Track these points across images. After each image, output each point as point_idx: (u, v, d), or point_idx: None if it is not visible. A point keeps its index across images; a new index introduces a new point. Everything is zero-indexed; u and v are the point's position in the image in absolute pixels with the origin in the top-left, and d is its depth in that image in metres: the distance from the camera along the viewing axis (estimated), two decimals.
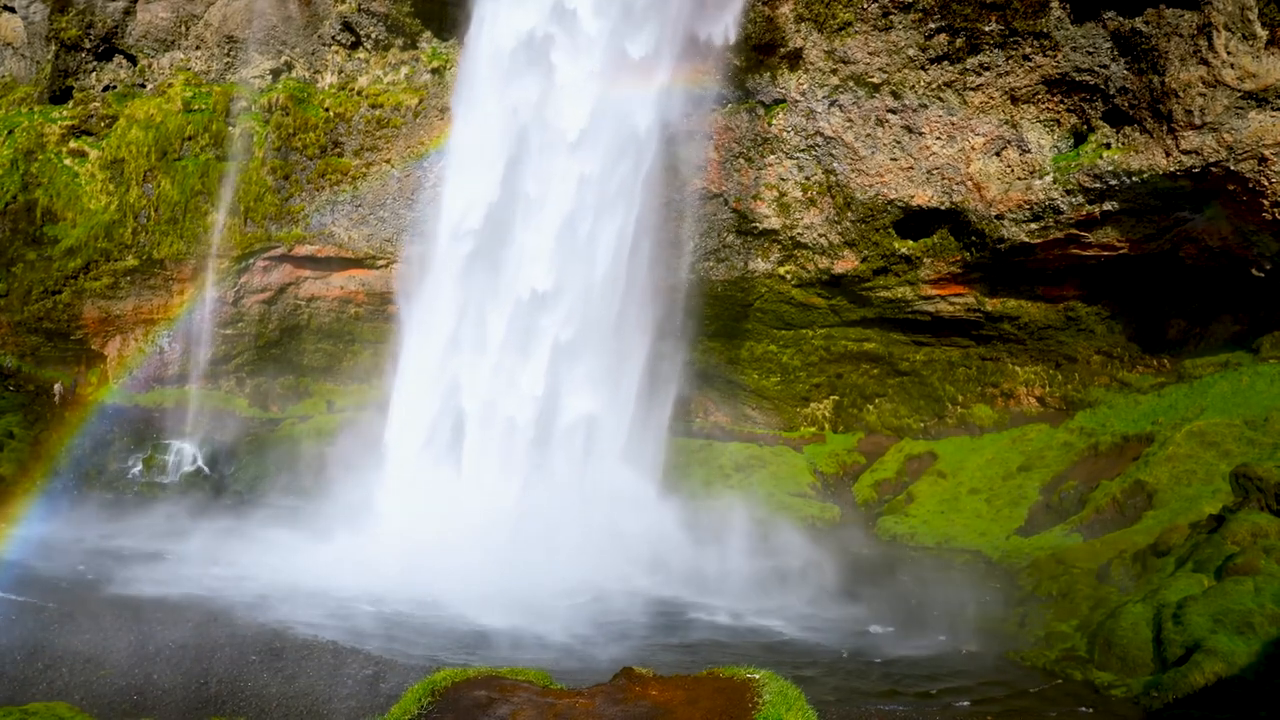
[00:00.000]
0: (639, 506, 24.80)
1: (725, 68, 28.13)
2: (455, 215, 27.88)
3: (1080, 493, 25.37)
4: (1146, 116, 24.42)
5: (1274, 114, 23.15)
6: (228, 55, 35.01)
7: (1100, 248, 26.89)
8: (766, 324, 32.17)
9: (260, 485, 31.07)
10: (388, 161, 32.75)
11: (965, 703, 13.72)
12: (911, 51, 26.52)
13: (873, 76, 27.15)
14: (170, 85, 34.95)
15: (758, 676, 9.80)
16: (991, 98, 26.50)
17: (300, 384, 36.12)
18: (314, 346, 35.78)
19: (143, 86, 35.61)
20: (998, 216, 27.13)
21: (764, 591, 21.02)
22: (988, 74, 26.25)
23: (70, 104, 35.40)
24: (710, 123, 28.93)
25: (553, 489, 24.92)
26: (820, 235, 29.23)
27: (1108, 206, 25.76)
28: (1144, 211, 25.72)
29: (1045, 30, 25.09)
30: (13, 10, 35.59)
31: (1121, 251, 26.77)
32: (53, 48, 35.27)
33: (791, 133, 28.28)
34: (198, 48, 35.24)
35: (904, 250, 28.94)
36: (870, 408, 33.07)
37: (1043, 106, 26.30)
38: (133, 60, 35.94)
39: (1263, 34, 22.78)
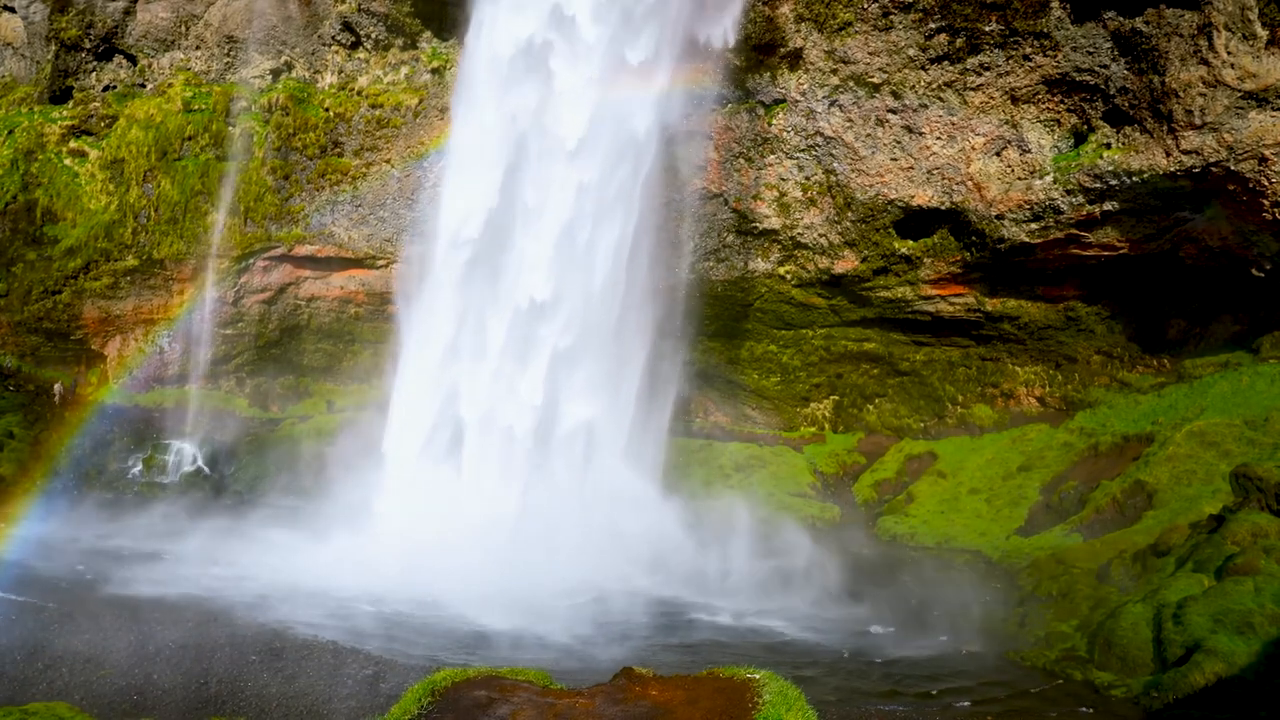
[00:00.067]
0: (640, 506, 24.79)
1: (725, 68, 28.14)
2: (454, 223, 27.81)
3: (1080, 493, 25.36)
4: (1147, 116, 24.42)
5: (1274, 114, 23.15)
6: (228, 55, 35.01)
7: (1100, 248, 26.89)
8: (766, 324, 32.16)
9: (260, 485, 31.07)
10: (388, 161, 32.75)
11: (966, 703, 13.72)
12: (912, 51, 26.52)
13: (873, 76, 27.15)
14: (170, 85, 34.95)
15: (758, 676, 9.80)
16: (992, 98, 26.50)
17: (300, 384, 36.13)
18: (314, 346, 35.78)
19: (143, 86, 35.61)
20: (998, 216, 27.14)
21: (765, 592, 21.01)
22: (988, 74, 26.25)
23: (70, 104, 35.40)
24: (710, 123, 28.93)
25: (553, 490, 24.91)
26: (820, 235, 29.23)
27: (1108, 206, 25.76)
28: (1144, 211, 25.72)
29: (1045, 30, 25.09)
30: (13, 10, 35.59)
31: (1121, 251, 26.77)
32: (53, 48, 35.27)
33: (791, 133, 28.28)
34: (198, 48, 35.24)
35: (904, 250, 28.94)
36: (870, 408, 33.07)
37: (1043, 106, 26.30)
38: (133, 60, 35.94)
39: (1263, 34, 22.78)
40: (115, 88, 35.71)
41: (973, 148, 27.05)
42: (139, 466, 31.38)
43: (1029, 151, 26.54)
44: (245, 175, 33.29)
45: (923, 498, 28.67)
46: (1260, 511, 17.95)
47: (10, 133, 34.44)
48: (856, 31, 26.80)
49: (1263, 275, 25.38)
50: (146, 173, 33.39)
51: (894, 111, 27.31)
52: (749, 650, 16.39)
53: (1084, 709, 13.46)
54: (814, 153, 28.43)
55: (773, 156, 28.73)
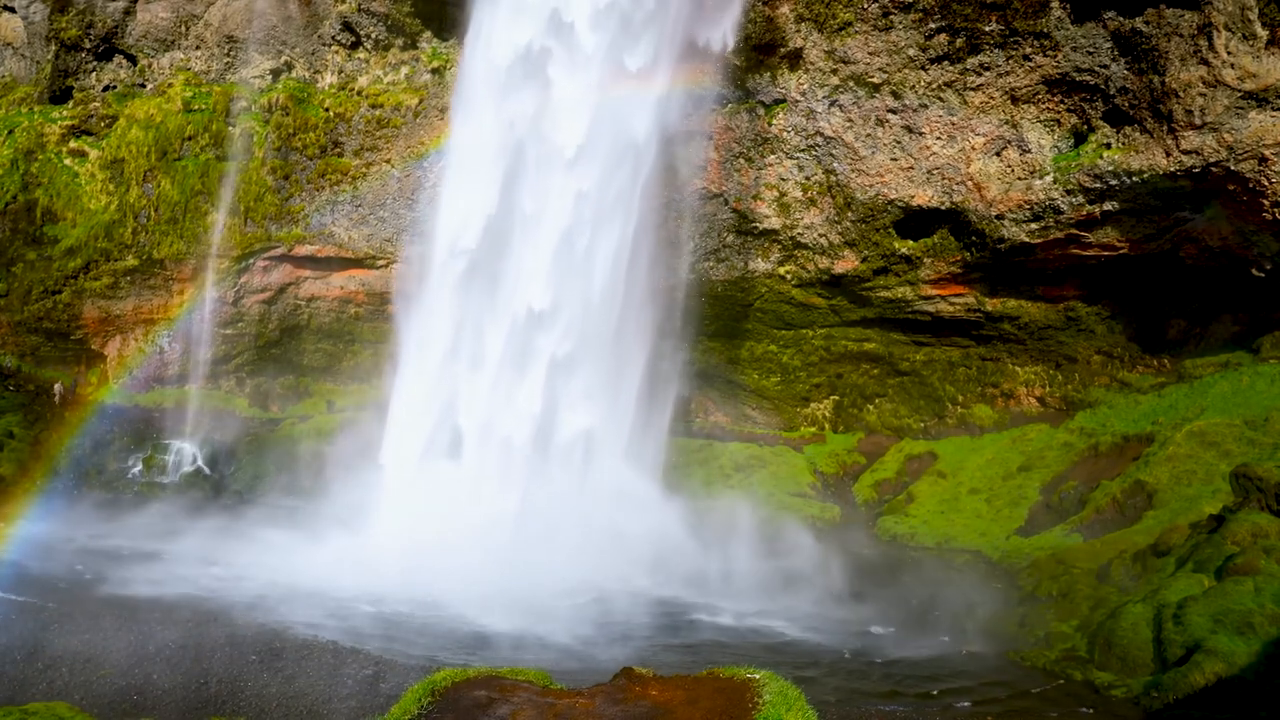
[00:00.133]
0: (641, 507, 24.76)
1: (725, 69, 28.13)
2: (452, 231, 27.73)
3: (1080, 493, 25.36)
4: (1147, 116, 24.42)
5: (1274, 114, 23.15)
6: (228, 55, 35.01)
7: (1100, 248, 26.89)
8: (766, 324, 32.16)
9: (260, 485, 31.07)
10: (388, 161, 32.75)
11: (966, 703, 13.71)
12: (912, 51, 26.51)
13: (873, 76, 27.15)
14: (170, 85, 34.95)
15: (758, 676, 9.79)
16: (992, 98, 26.50)
17: (300, 384, 36.12)
18: (314, 346, 35.78)
19: (143, 86, 35.61)
20: (998, 216, 27.13)
21: (767, 592, 21.00)
22: (988, 74, 26.25)
23: (70, 104, 35.40)
24: (710, 123, 28.92)
25: (553, 490, 24.88)
26: (820, 235, 29.23)
27: (1108, 206, 25.76)
28: (1144, 211, 25.72)
29: (1045, 30, 25.08)
30: (13, 10, 35.59)
31: (1121, 251, 26.77)
32: (53, 48, 35.27)
33: (792, 133, 28.27)
34: (198, 48, 35.24)
35: (904, 250, 28.94)
36: (870, 408, 33.07)
37: (1043, 106, 26.29)
38: (133, 60, 35.94)
39: (1263, 34, 22.78)
40: (115, 88, 35.71)
41: (973, 148, 27.04)
42: (139, 466, 31.39)
43: (1029, 151, 26.54)
44: (245, 175, 33.30)
45: (923, 498, 28.67)
46: (1260, 511, 17.95)
47: (10, 133, 34.44)
48: (856, 31, 26.80)
49: (1263, 275, 25.38)
50: (146, 173, 33.39)
51: (894, 111, 27.31)
52: (750, 650, 16.39)
53: (1084, 709, 13.46)
54: (814, 153, 28.43)
55: (773, 156, 28.73)
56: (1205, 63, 23.21)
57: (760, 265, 30.27)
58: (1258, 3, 22.70)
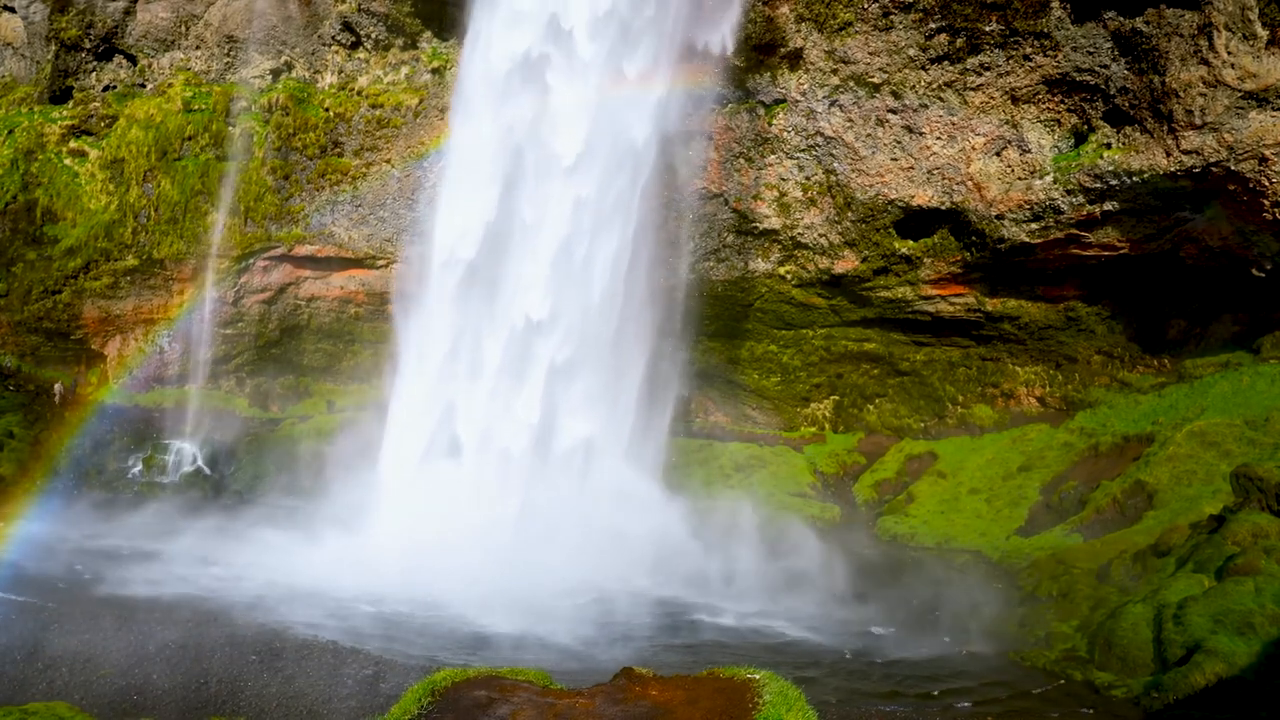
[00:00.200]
0: (642, 507, 24.74)
1: (725, 69, 28.12)
2: (450, 240, 27.64)
3: (1080, 493, 25.35)
4: (1147, 116, 24.42)
5: (1274, 114, 23.15)
6: (228, 55, 35.01)
7: (1100, 248, 26.88)
8: (767, 324, 32.16)
9: (260, 485, 31.06)
10: (388, 161, 32.75)
11: (967, 704, 13.71)
12: (912, 51, 26.51)
13: (873, 76, 27.14)
14: (170, 85, 34.94)
15: (758, 677, 9.79)
16: (992, 98, 26.49)
17: (300, 384, 36.12)
18: (314, 346, 35.77)
19: (143, 86, 35.61)
20: (998, 216, 27.13)
21: (768, 593, 20.99)
22: (988, 74, 26.24)
23: (70, 104, 35.40)
24: (710, 123, 28.92)
25: (554, 491, 24.85)
26: (820, 235, 29.22)
27: (1108, 206, 25.75)
28: (1144, 211, 25.71)
29: (1046, 30, 25.08)
30: (13, 10, 35.59)
31: (1122, 251, 26.76)
32: (53, 48, 35.27)
33: (792, 133, 28.27)
34: (198, 48, 35.24)
35: (904, 250, 28.93)
36: (870, 408, 33.06)
37: (1043, 106, 26.29)
38: (133, 60, 35.94)
39: (1263, 34, 22.77)
40: (115, 88, 35.70)
41: (973, 148, 27.04)
42: (139, 466, 31.38)
43: (1029, 151, 26.53)
44: (245, 175, 33.29)
45: (923, 498, 28.66)
46: (1260, 512, 17.94)
47: (10, 133, 34.43)
48: (856, 31, 26.79)
49: (1263, 275, 25.37)
50: (146, 173, 33.38)
51: (894, 111, 27.30)
52: (751, 651, 16.38)
53: (1085, 709, 13.45)
54: (814, 153, 28.43)
55: (773, 156, 28.72)
56: (1205, 63, 23.21)
57: (760, 265, 30.26)
58: (1258, 3, 22.70)
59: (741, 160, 29.10)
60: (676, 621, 19.02)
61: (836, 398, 33.51)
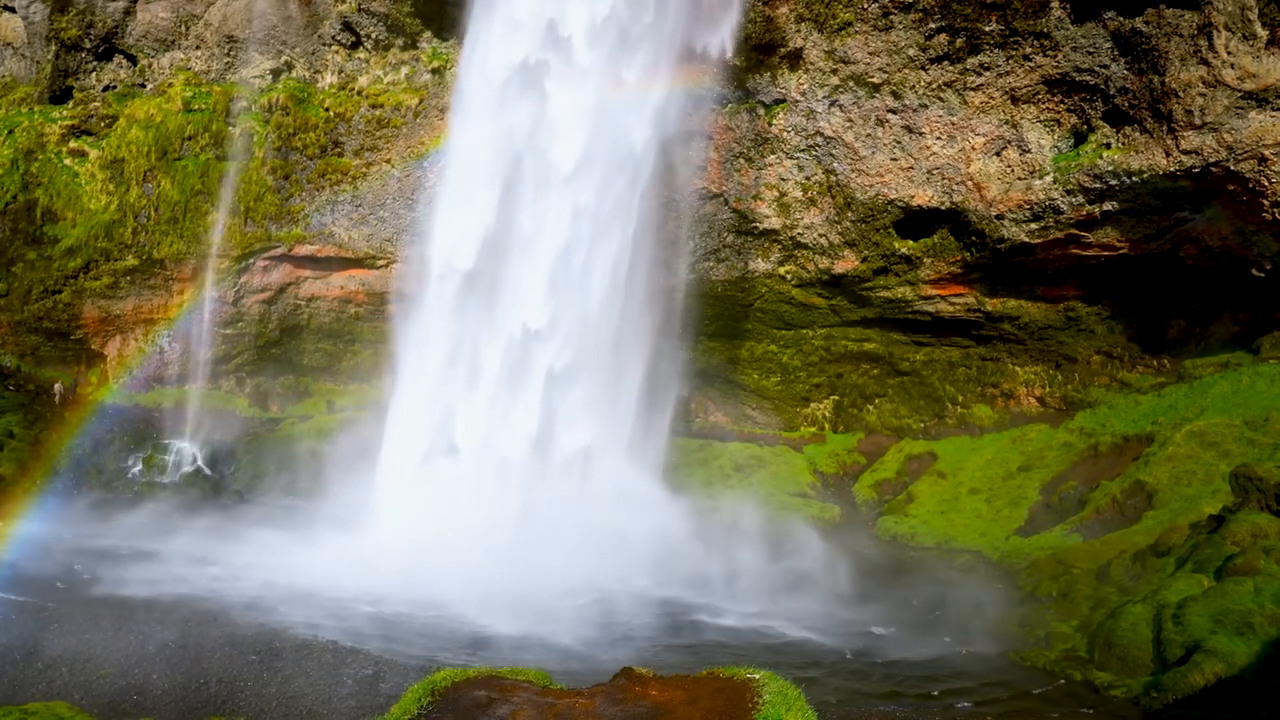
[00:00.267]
0: (643, 507, 24.73)
1: (725, 70, 28.12)
2: (449, 249, 27.57)
3: (1080, 493, 25.36)
4: (1146, 116, 24.42)
5: (1274, 114, 23.15)
6: (228, 55, 35.01)
7: (1100, 248, 26.89)
8: (766, 324, 32.16)
9: (260, 485, 31.06)
10: (388, 161, 32.75)
11: (967, 704, 13.71)
12: (912, 51, 26.51)
13: (873, 76, 27.14)
14: (170, 85, 34.95)
15: (758, 676, 9.79)
16: (992, 98, 26.50)
17: (300, 384, 36.12)
18: (314, 346, 35.77)
19: (143, 86, 35.61)
20: (998, 216, 27.13)
21: (770, 593, 20.98)
22: (988, 74, 26.25)
23: (70, 104, 35.40)
24: (710, 123, 28.92)
25: (555, 492, 24.82)
26: (820, 235, 29.23)
27: (1108, 206, 25.76)
28: (1144, 211, 25.71)
29: (1045, 30, 25.08)
30: (13, 10, 35.59)
31: (1121, 251, 26.77)
32: (53, 48, 35.27)
33: (792, 133, 28.27)
34: (198, 48, 35.24)
35: (904, 250, 28.93)
36: (870, 408, 33.07)
37: (1043, 106, 26.29)
38: (133, 60, 35.94)
39: (1263, 34, 22.77)
40: (115, 88, 35.71)
41: (973, 148, 27.04)
42: (139, 466, 31.39)
43: (1029, 151, 26.54)
44: (245, 175, 33.29)
45: (923, 498, 28.66)
46: (1260, 512, 17.95)
47: (10, 133, 34.44)
48: (856, 31, 26.79)
49: (1263, 275, 25.38)
50: (146, 173, 33.39)
51: (894, 111, 27.31)
52: (752, 651, 16.38)
53: (1085, 709, 13.45)
54: (814, 153, 28.43)
55: (773, 156, 28.73)
56: (1205, 63, 23.21)
57: (760, 265, 30.27)
58: (1258, 3, 22.70)
59: (741, 160, 29.10)
60: (678, 622, 19.01)
61: (836, 398, 33.51)
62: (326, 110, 33.56)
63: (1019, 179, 26.72)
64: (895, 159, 27.72)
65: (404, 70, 33.61)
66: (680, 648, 17.00)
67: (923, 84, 26.78)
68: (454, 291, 27.25)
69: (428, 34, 33.30)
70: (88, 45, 35.42)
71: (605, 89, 26.66)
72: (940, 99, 26.83)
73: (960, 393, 31.54)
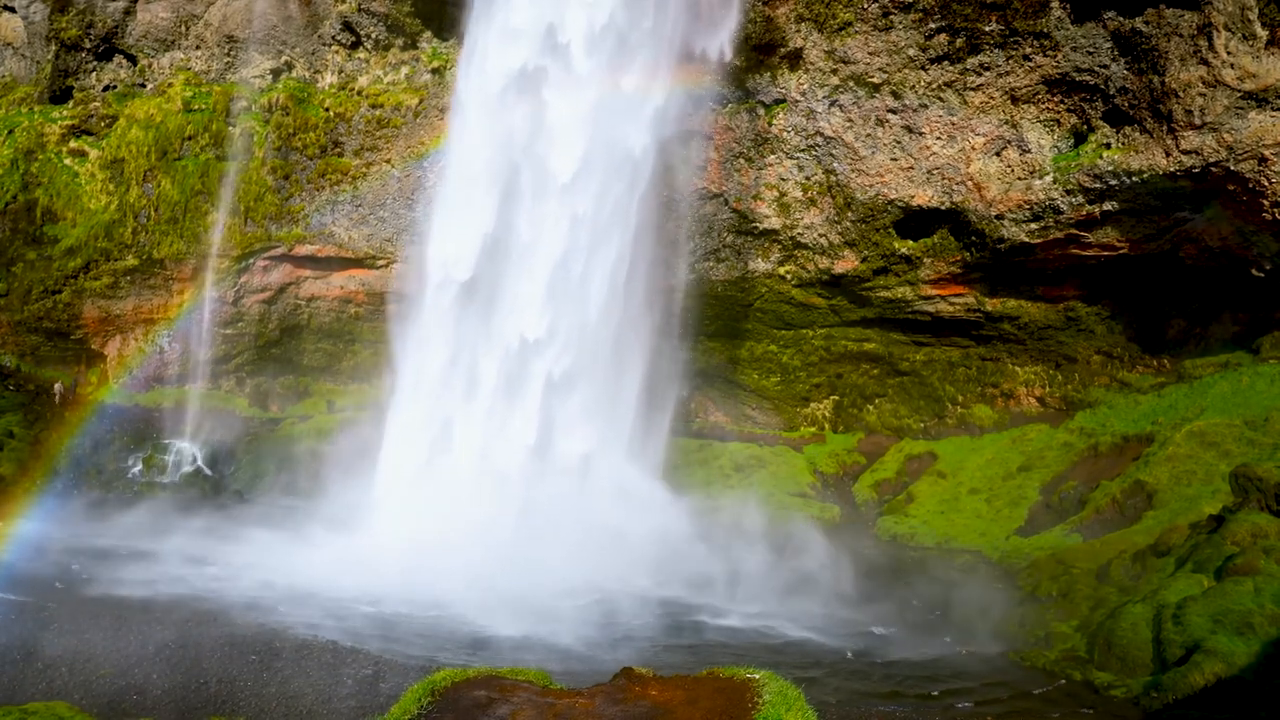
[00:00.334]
0: (643, 507, 24.71)
1: (724, 70, 28.11)
2: (447, 258, 27.47)
3: (1080, 493, 25.36)
4: (1146, 116, 24.42)
5: (1274, 114, 23.15)
6: (228, 55, 35.01)
7: (1100, 248, 26.89)
8: (766, 324, 32.15)
9: (260, 485, 31.06)
10: (388, 161, 32.75)
11: (967, 704, 13.71)
12: (912, 51, 26.51)
13: (873, 76, 27.14)
14: (170, 85, 34.95)
15: (758, 676, 9.79)
16: (991, 98, 26.49)
17: (300, 384, 36.11)
18: (314, 346, 35.77)
19: (143, 86, 35.61)
20: (998, 216, 27.13)
21: (770, 593, 20.97)
22: (988, 74, 26.24)
23: (70, 104, 35.40)
24: (710, 123, 28.92)
25: (555, 491, 24.80)
26: (820, 235, 29.23)
27: (1108, 206, 25.76)
28: (1144, 211, 25.71)
29: (1045, 30, 25.08)
30: (13, 10, 35.59)
31: (1121, 251, 26.77)
32: (53, 48, 35.27)
33: (792, 133, 28.27)
34: (198, 48, 35.24)
35: (904, 250, 28.93)
36: (870, 408, 33.06)
37: (1043, 106, 26.29)
38: (133, 60, 35.94)
39: (1263, 34, 22.78)
40: (115, 88, 35.71)
41: (973, 148, 27.04)
42: (139, 466, 31.38)
43: (1029, 151, 26.54)
44: (245, 175, 33.29)
45: (922, 498, 28.66)
46: (1260, 512, 17.94)
47: (10, 133, 34.44)
48: (856, 31, 26.79)
49: (1263, 275, 25.38)
50: (146, 172, 33.38)
51: (894, 111, 27.31)
52: (753, 651, 16.37)
53: (1085, 709, 13.45)
54: (814, 153, 28.43)
55: (773, 156, 28.72)
56: (1205, 63, 23.21)
57: (760, 265, 30.26)
58: (1258, 3, 22.71)
59: (741, 160, 29.10)
60: (679, 622, 19.00)
61: (836, 398, 33.51)
62: (326, 110, 33.56)
63: (1019, 179, 26.72)
64: (895, 159, 27.72)
65: (404, 70, 33.61)
66: (681, 648, 16.99)
67: (923, 84, 26.78)
68: (451, 301, 27.20)
69: (428, 34, 33.31)
70: (88, 45, 35.42)
71: (604, 95, 26.60)
72: (940, 99, 26.83)
73: (960, 393, 31.55)
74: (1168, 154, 24.15)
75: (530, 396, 26.13)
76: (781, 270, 30.23)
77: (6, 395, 31.76)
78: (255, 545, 23.03)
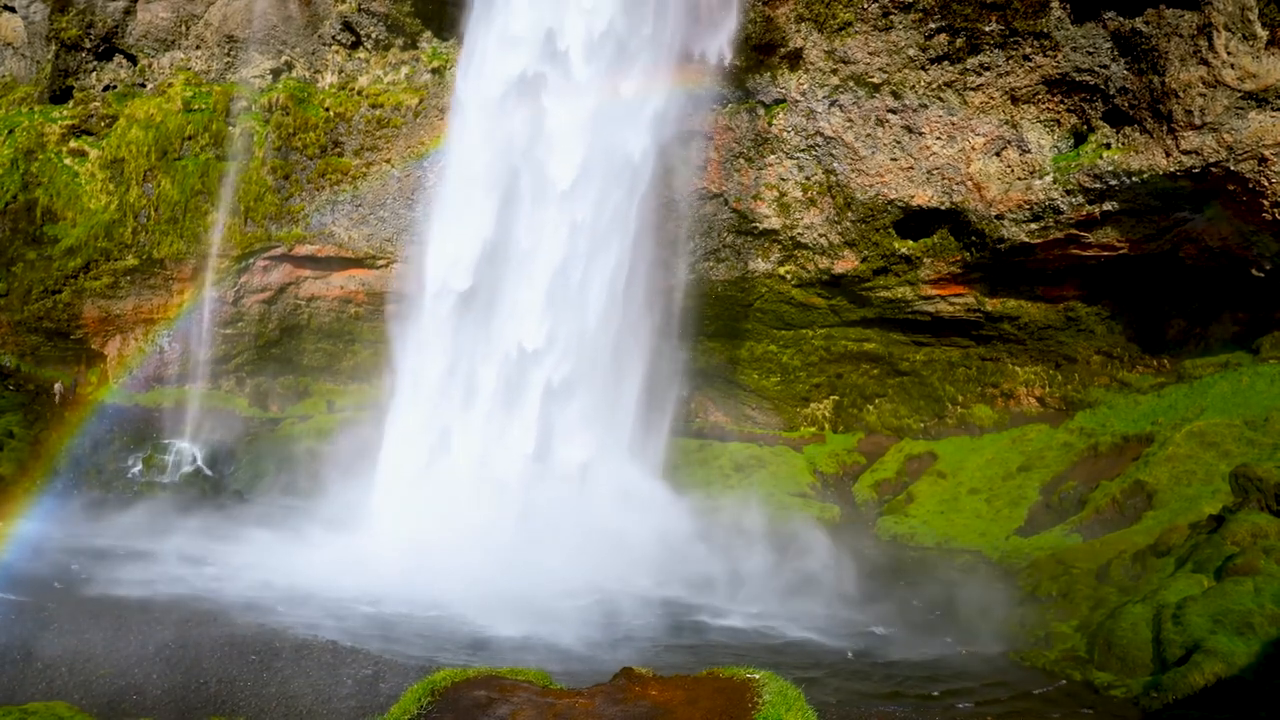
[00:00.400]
0: (644, 507, 24.70)
1: (724, 71, 28.10)
2: (445, 266, 27.43)
3: (1080, 493, 25.35)
4: (1146, 116, 24.42)
5: (1274, 114, 23.15)
6: (228, 55, 35.01)
7: (1100, 248, 26.89)
8: (766, 324, 32.15)
9: (260, 485, 31.06)
10: (388, 161, 32.75)
11: (967, 704, 13.70)
12: (912, 51, 26.51)
13: (873, 76, 27.14)
14: (170, 85, 34.95)
15: (758, 676, 9.78)
16: (991, 98, 26.49)
17: (300, 384, 36.11)
18: (314, 346, 35.77)
19: (143, 86, 35.61)
20: (998, 216, 27.13)
21: (771, 593, 20.97)
22: (988, 74, 26.24)
23: (70, 104, 35.40)
24: (710, 123, 28.92)
25: (555, 491, 24.79)
26: (820, 235, 29.22)
27: (1108, 207, 25.75)
28: (1144, 212, 25.71)
29: (1045, 30, 25.08)
30: (13, 10, 35.59)
31: (1121, 251, 26.76)
32: (53, 47, 35.26)
33: (791, 133, 28.27)
34: (198, 47, 35.23)
35: (904, 250, 28.93)
36: (870, 408, 33.06)
37: (1043, 106, 26.29)
38: (133, 60, 35.94)
39: (1263, 34, 22.77)
40: (115, 87, 35.70)
41: (973, 148, 27.04)
42: (139, 466, 31.38)
43: (1029, 151, 26.54)
44: (245, 175, 33.29)
45: (922, 498, 28.66)
46: (1260, 512, 17.94)
47: (10, 132, 34.43)
48: (856, 31, 26.79)
49: (1263, 275, 25.38)
50: (146, 172, 33.38)
51: (894, 111, 27.30)
52: (753, 651, 16.37)
53: (1085, 709, 13.45)
54: (814, 153, 28.42)
55: (773, 156, 28.72)
56: (1205, 63, 23.21)
57: (760, 265, 30.26)
58: (1258, 3, 22.70)
59: (741, 160, 29.10)
60: (679, 622, 18.99)
61: (836, 398, 33.51)
62: (326, 110, 33.56)
63: (1019, 179, 26.72)
64: (895, 159, 27.72)
65: (404, 70, 33.61)
66: (681, 648, 16.98)
67: (923, 84, 26.78)
68: (450, 309, 27.17)
69: (428, 34, 33.31)
70: (88, 45, 35.42)
71: (603, 101, 26.58)
72: (940, 99, 26.83)
73: (960, 393, 31.55)
74: (1168, 154, 24.15)
75: (529, 405, 26.10)
76: (781, 270, 30.23)
77: (6, 395, 31.76)
78: (255, 545, 23.02)
